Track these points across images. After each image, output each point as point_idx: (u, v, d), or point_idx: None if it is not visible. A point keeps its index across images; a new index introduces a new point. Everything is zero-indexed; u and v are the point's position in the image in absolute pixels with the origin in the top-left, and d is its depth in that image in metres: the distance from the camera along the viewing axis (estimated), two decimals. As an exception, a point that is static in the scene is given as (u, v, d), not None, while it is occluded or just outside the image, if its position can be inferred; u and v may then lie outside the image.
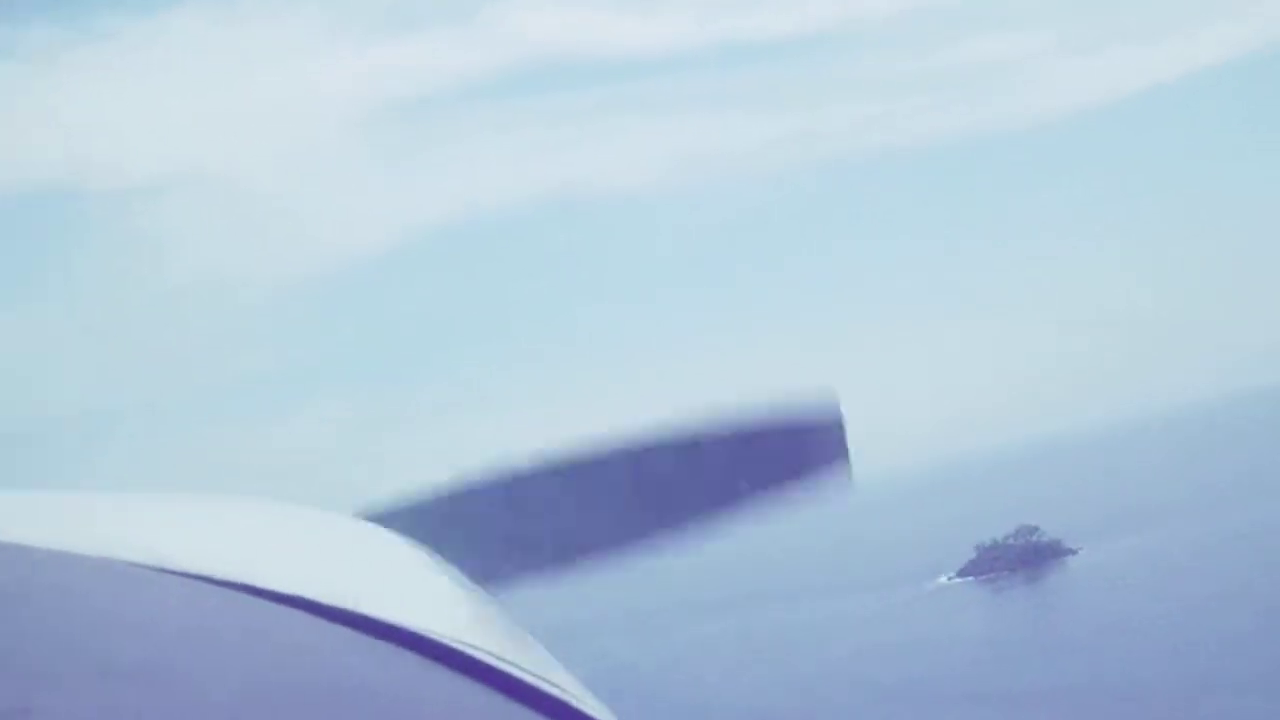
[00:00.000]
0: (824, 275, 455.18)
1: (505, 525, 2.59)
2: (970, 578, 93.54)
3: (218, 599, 1.35)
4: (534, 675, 1.44)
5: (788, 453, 2.67)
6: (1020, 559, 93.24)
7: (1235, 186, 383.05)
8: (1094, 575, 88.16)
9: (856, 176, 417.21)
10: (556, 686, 1.46)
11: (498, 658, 1.42)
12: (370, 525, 2.18)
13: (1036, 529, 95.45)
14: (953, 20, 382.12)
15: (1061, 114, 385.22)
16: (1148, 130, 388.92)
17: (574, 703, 1.45)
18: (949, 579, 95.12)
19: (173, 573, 1.38)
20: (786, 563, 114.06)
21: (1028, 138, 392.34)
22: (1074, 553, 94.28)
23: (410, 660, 1.34)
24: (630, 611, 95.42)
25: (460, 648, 1.40)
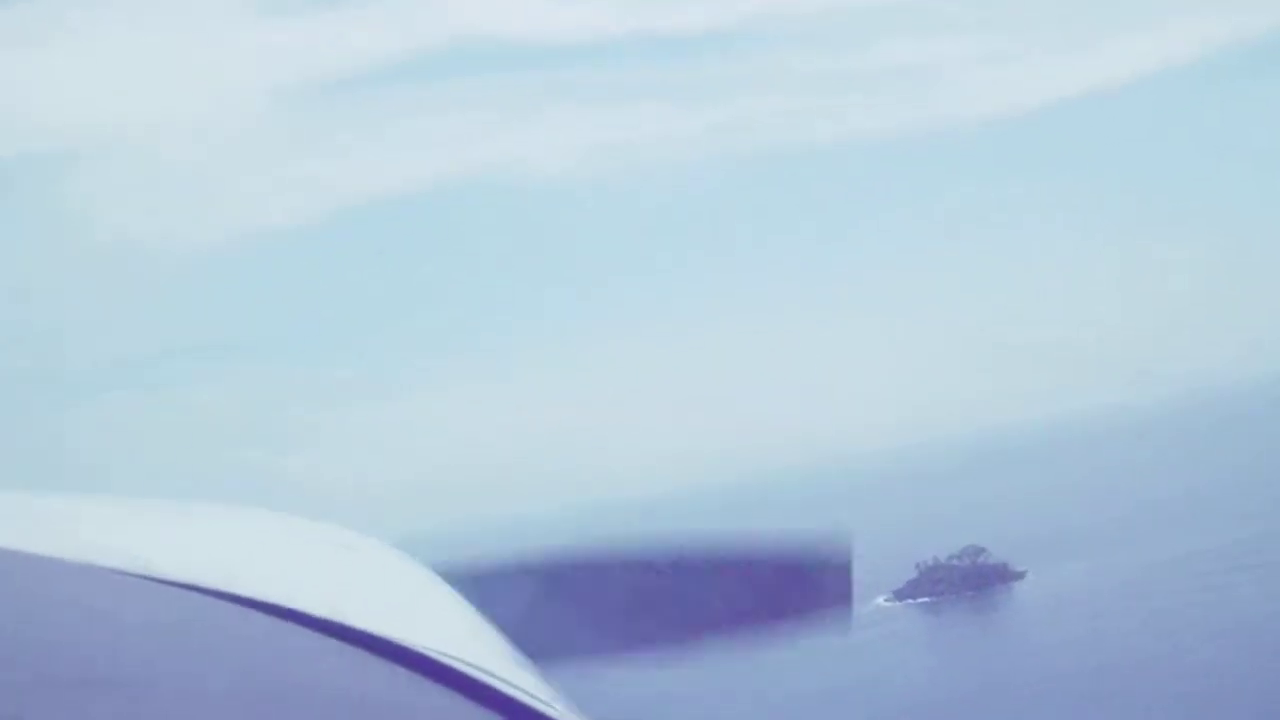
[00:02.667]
0: (740, 267, 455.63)
1: (524, 608, 2.64)
2: (910, 600, 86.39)
3: (207, 608, 1.34)
4: (524, 693, 1.43)
5: (796, 587, 2.93)
6: (965, 581, 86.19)
7: (1150, 191, 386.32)
8: (1042, 603, 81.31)
9: (773, 171, 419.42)
10: (547, 706, 1.46)
11: (487, 673, 1.42)
12: (364, 538, 2.20)
13: (983, 550, 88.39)
14: (874, 21, 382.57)
15: (979, 118, 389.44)
16: (1065, 135, 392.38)
17: None
18: (887, 600, 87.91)
19: (161, 581, 1.38)
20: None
21: (945, 140, 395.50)
22: (1021, 576, 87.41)
23: (399, 674, 1.33)
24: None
25: (450, 663, 1.39)
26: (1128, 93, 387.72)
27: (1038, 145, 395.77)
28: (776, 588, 2.93)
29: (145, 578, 1.37)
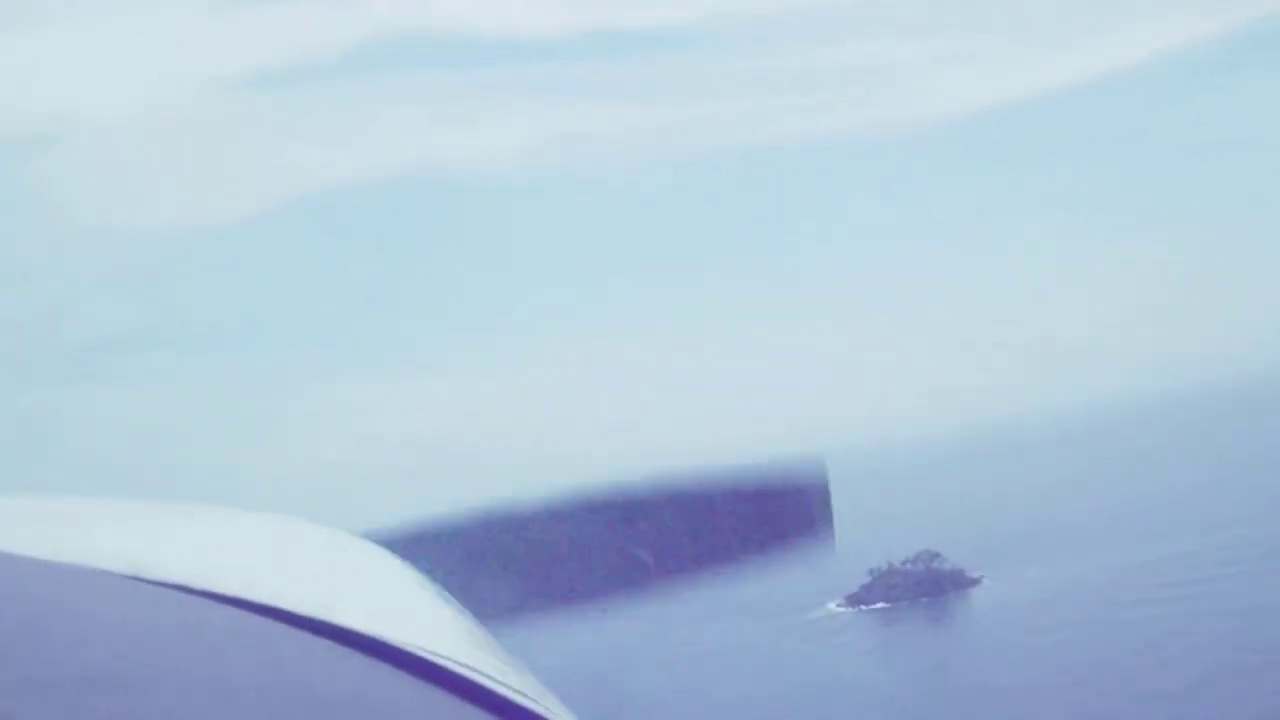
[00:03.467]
0: (696, 266, 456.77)
1: (501, 561, 2.71)
2: (862, 606, 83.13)
3: (199, 610, 1.35)
4: (514, 691, 1.45)
5: (777, 513, 2.91)
6: (919, 587, 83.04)
7: (1116, 189, 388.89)
8: (998, 611, 78.22)
9: (731, 171, 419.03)
10: (536, 703, 1.47)
11: (480, 674, 1.43)
12: (360, 541, 2.24)
13: (937, 555, 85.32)
14: (835, 22, 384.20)
15: (937, 118, 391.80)
16: (1025, 134, 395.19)
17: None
18: (838, 605, 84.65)
19: (154, 583, 1.38)
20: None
21: (904, 140, 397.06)
22: (977, 582, 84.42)
23: (393, 675, 1.34)
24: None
25: (444, 664, 1.40)
26: (1090, 92, 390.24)
27: (997, 145, 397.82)
28: (755, 515, 2.82)
29: (139, 579, 1.36)
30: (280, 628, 1.34)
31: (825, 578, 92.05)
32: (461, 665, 1.42)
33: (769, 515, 2.92)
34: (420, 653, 1.39)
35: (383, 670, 1.33)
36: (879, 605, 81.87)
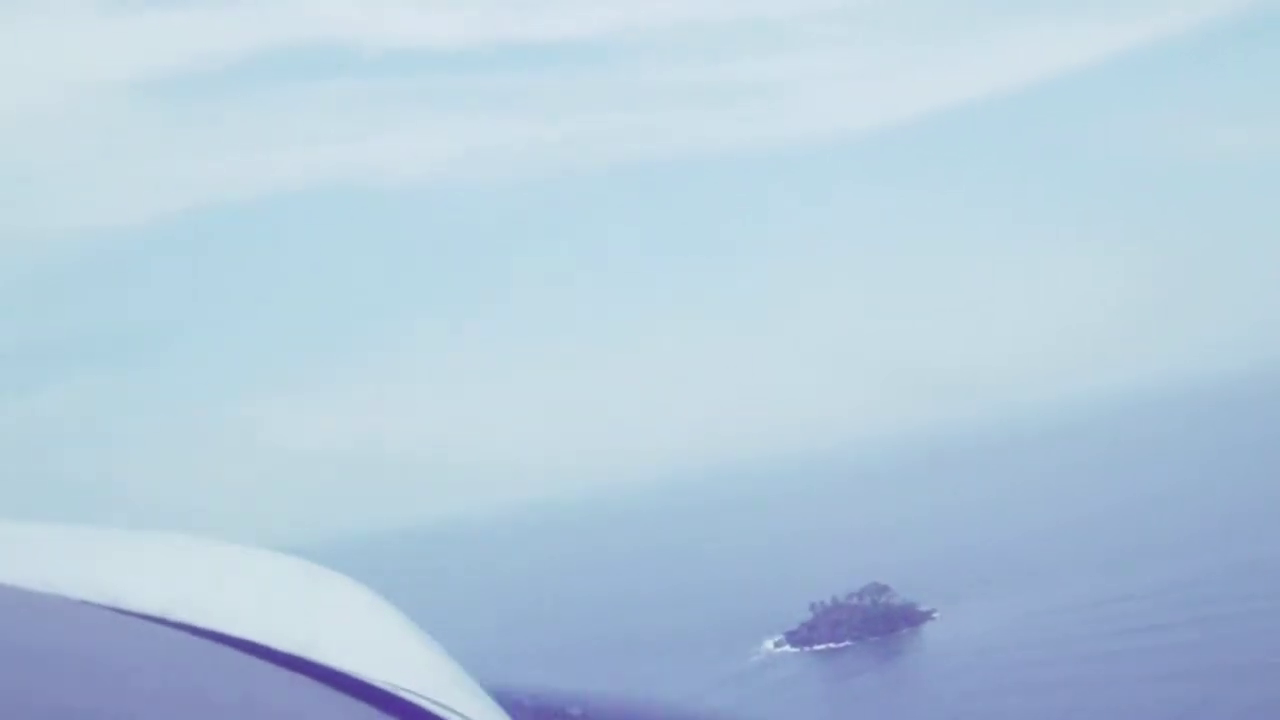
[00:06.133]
0: (593, 278, 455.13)
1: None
2: (805, 647, 74.67)
3: (147, 635, 1.35)
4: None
5: None
6: (866, 624, 74.81)
7: (1001, 202, 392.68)
8: (953, 649, 70.39)
9: (628, 181, 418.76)
10: None
11: (448, 709, 1.46)
12: (323, 570, 2.15)
13: (886, 588, 77.12)
14: (731, 37, 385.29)
15: (832, 133, 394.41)
16: (914, 149, 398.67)
17: None
18: (777, 645, 76.18)
19: (117, 611, 1.39)
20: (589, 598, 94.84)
21: (799, 153, 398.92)
22: (930, 617, 76.52)
23: (359, 709, 1.37)
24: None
25: (410, 697, 1.43)
26: (978, 109, 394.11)
27: (888, 159, 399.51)
28: None
29: (102, 608, 1.36)
30: (242, 658, 1.31)
31: (760, 608, 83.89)
32: (439, 705, 1.41)
33: None
34: (385, 685, 1.38)
35: (349, 704, 1.32)
36: (825, 646, 73.49)
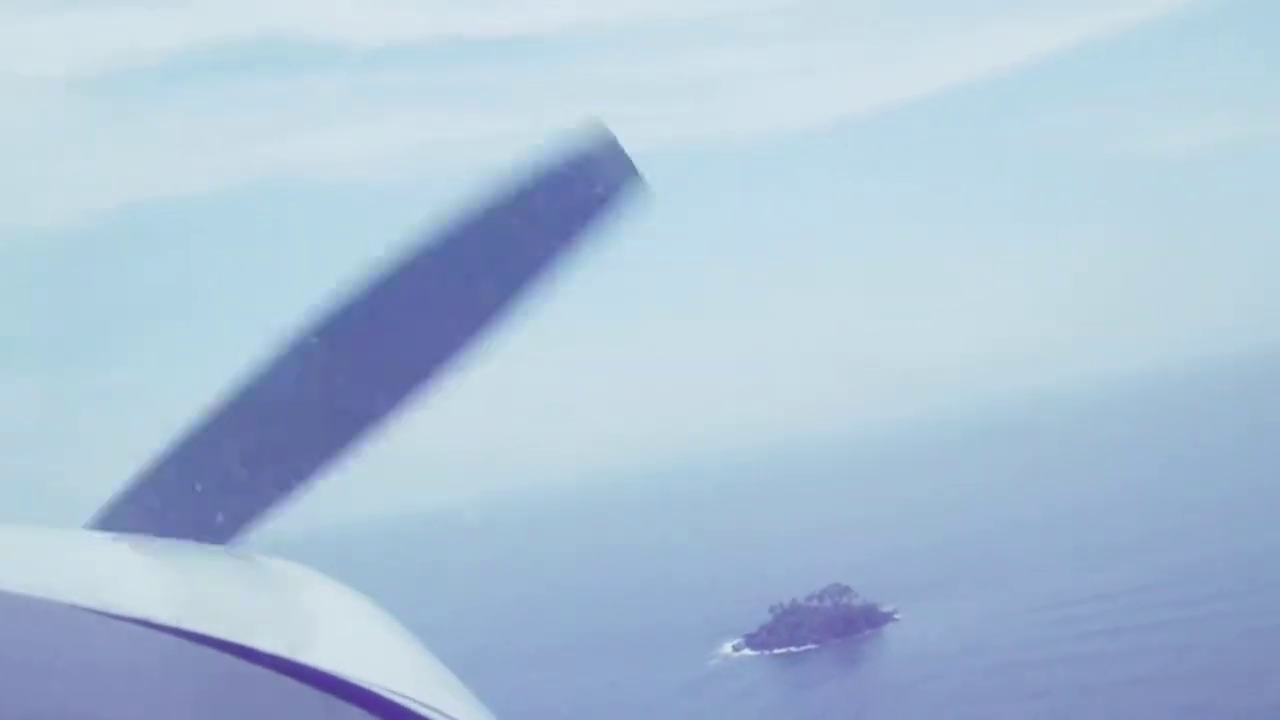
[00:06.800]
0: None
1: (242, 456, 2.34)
2: (764, 650, 72.10)
3: (133, 639, 1.35)
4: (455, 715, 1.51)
5: (567, 199, 2.37)
6: (827, 626, 72.29)
7: (947, 200, 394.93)
8: (916, 654, 67.90)
9: None
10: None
11: (433, 709, 1.47)
12: (309, 572, 2.12)
13: (847, 589, 74.68)
14: (684, 33, 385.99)
15: (779, 129, 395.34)
16: (859, 147, 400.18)
17: None
18: (735, 648, 73.59)
19: (115, 616, 1.38)
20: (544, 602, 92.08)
21: (752, 150, 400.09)
22: (892, 618, 74.16)
23: (342, 708, 1.38)
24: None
25: (394, 698, 1.44)
26: (927, 104, 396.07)
27: (835, 155, 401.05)
28: (549, 209, 2.30)
29: (99, 613, 1.36)
30: (232, 660, 1.32)
31: (717, 611, 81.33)
32: (415, 701, 1.43)
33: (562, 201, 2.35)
34: (370, 685, 1.38)
35: (335, 705, 1.33)
36: (784, 650, 70.90)
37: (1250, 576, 68.37)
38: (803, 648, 70.62)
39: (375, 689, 1.38)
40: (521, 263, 2.37)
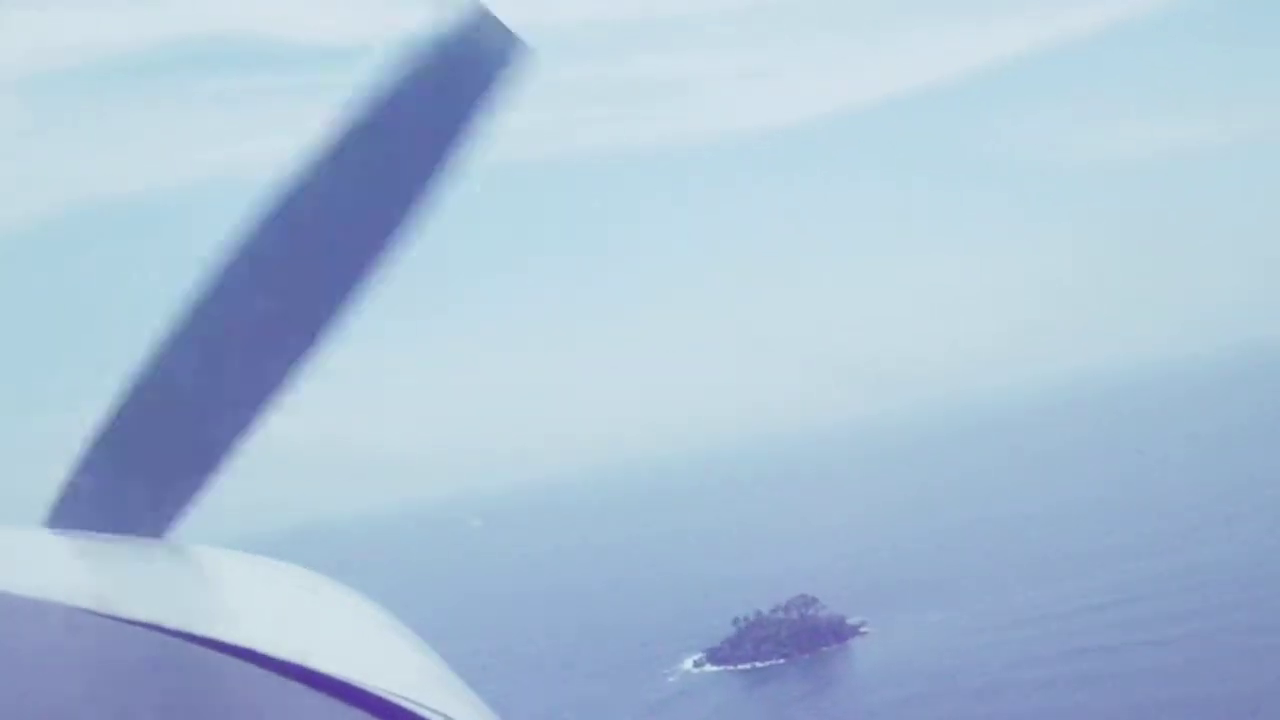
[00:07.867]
0: (492, 276, 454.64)
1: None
2: (727, 665, 69.32)
3: (161, 648, 1.36)
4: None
5: (449, 84, 2.25)
6: (793, 640, 69.63)
7: (904, 206, 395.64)
8: (884, 670, 65.20)
9: (530, 179, 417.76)
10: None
11: (440, 715, 1.48)
12: (320, 578, 2.09)
13: (814, 600, 72.06)
14: (637, 36, 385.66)
15: (734, 132, 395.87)
16: (820, 150, 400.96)
17: None
18: (697, 664, 70.81)
19: (118, 620, 1.39)
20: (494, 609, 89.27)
21: (701, 152, 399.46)
22: (859, 632, 71.57)
23: (348, 713, 1.38)
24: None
25: (403, 704, 1.44)
26: (881, 110, 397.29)
27: (797, 159, 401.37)
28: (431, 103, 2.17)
29: (103, 616, 1.35)
30: (241, 666, 1.32)
31: (676, 624, 78.62)
32: (424, 707, 1.42)
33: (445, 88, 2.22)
34: (378, 690, 1.38)
35: (343, 711, 1.33)
36: (749, 665, 68.16)
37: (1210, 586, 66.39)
38: (768, 663, 67.87)
39: (376, 689, 1.37)
40: (424, 153, 2.23)
